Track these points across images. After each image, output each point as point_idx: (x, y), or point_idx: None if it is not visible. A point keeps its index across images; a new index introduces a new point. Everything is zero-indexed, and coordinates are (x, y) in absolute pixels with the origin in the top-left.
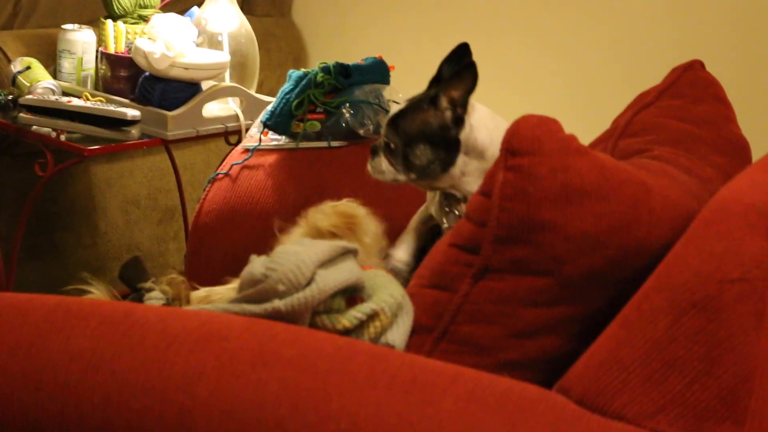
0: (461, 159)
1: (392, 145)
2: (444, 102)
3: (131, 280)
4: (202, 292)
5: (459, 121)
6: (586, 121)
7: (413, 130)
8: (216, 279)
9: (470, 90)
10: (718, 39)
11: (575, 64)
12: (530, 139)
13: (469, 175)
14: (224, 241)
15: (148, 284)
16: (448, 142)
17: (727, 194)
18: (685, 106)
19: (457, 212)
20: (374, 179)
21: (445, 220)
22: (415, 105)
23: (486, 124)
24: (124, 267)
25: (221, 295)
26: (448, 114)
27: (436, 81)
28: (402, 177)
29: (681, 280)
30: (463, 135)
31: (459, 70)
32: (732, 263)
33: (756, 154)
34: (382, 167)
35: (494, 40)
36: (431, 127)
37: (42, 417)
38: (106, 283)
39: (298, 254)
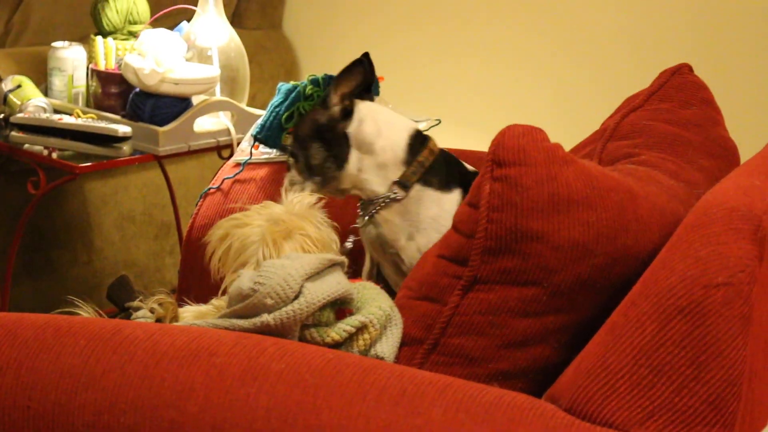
0: (354, 154)
1: (295, 152)
2: (334, 98)
3: (119, 299)
4: (191, 310)
5: (347, 114)
6: (571, 129)
7: (306, 131)
8: (209, 293)
9: (360, 84)
10: (706, 42)
11: (560, 71)
12: (516, 149)
13: (365, 171)
14: None
15: (136, 303)
16: (338, 138)
17: (711, 199)
18: (673, 110)
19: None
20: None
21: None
22: (305, 115)
23: (374, 117)
24: (112, 286)
25: (210, 313)
26: (337, 109)
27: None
28: (309, 184)
29: (667, 285)
30: (351, 128)
31: (349, 65)
32: (717, 268)
33: (744, 158)
34: (293, 179)
35: (482, 53)
36: (320, 125)
37: None
38: (93, 305)
39: (285, 268)
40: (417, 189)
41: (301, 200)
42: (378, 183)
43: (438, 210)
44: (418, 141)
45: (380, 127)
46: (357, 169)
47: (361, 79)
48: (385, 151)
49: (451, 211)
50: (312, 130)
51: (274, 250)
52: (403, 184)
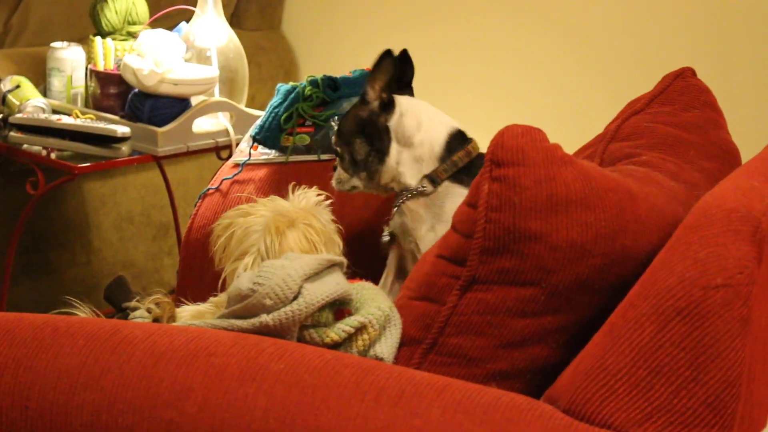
0: (394, 148)
1: (340, 151)
2: (371, 94)
3: (116, 300)
4: (189, 310)
5: (386, 107)
6: (572, 131)
7: (349, 128)
8: (208, 294)
9: (391, 76)
10: (710, 46)
11: (561, 72)
12: (515, 149)
13: (402, 164)
14: None
15: (133, 303)
16: (379, 132)
17: (710, 200)
18: (674, 112)
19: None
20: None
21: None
22: (348, 111)
23: (416, 111)
24: (109, 287)
25: (208, 312)
26: (376, 104)
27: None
28: (356, 180)
29: (666, 286)
30: (393, 122)
31: (378, 60)
32: (716, 269)
33: (746, 160)
34: (340, 177)
35: (482, 53)
36: (362, 120)
37: None
38: (90, 305)
39: (285, 268)
40: (446, 185)
41: (307, 196)
42: (411, 176)
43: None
44: (458, 140)
45: (421, 121)
46: (396, 162)
47: (393, 70)
48: (422, 145)
49: None
50: (355, 126)
51: (276, 239)
52: (433, 179)
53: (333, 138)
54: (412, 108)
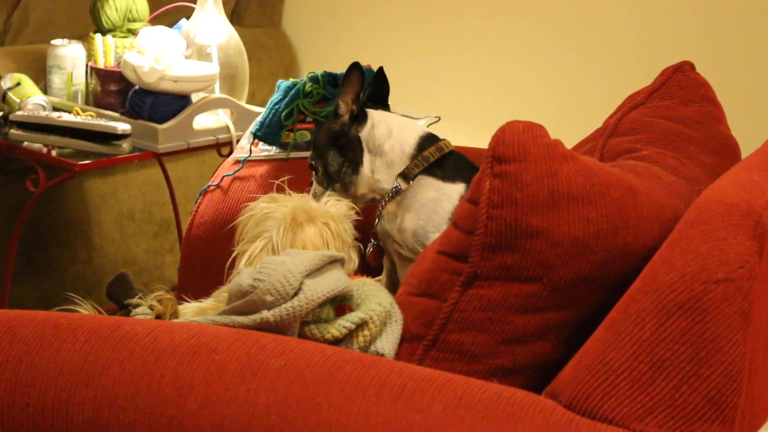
0: (367, 158)
1: (314, 164)
2: (342, 107)
3: (118, 297)
4: (191, 307)
5: (357, 118)
6: (572, 126)
7: (322, 141)
8: (209, 291)
9: (360, 87)
10: (709, 40)
11: (561, 68)
12: (516, 145)
13: (377, 172)
14: (217, 253)
15: (135, 300)
16: (351, 143)
17: (711, 194)
18: (674, 107)
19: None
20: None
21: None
22: (321, 126)
23: (387, 122)
24: (111, 284)
25: (211, 308)
26: (346, 117)
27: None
28: (330, 192)
29: (666, 281)
30: (364, 133)
31: (346, 72)
32: (717, 263)
33: (746, 155)
34: (315, 190)
35: (482, 50)
36: (335, 132)
37: None
38: (92, 303)
39: (285, 264)
40: (419, 179)
41: (339, 204)
42: (387, 181)
43: (436, 194)
44: (429, 141)
45: (391, 130)
46: (370, 171)
47: (362, 82)
48: (393, 150)
49: (451, 197)
50: (328, 139)
51: (290, 230)
52: (405, 175)
53: (288, 137)
54: (383, 119)
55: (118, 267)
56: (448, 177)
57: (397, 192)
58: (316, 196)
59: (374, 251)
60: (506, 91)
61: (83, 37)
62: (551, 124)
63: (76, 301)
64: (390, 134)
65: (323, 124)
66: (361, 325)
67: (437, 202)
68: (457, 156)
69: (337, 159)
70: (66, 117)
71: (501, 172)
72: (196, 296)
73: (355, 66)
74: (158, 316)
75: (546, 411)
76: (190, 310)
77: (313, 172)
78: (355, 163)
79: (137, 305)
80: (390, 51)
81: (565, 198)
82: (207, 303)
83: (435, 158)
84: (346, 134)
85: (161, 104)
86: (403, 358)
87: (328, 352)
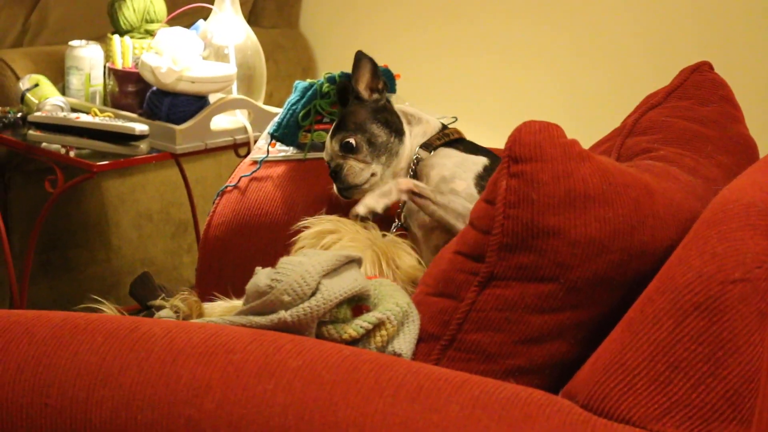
0: (406, 127)
1: (355, 142)
2: (363, 92)
3: (142, 297)
4: (220, 306)
5: (383, 93)
6: (588, 127)
7: (362, 117)
8: (227, 291)
9: (374, 70)
10: (727, 40)
11: (577, 69)
12: (532, 145)
13: (414, 137)
14: (235, 253)
15: (158, 302)
16: (393, 115)
17: (728, 194)
18: (692, 107)
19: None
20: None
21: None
22: (344, 114)
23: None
24: (134, 284)
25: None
26: (374, 96)
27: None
28: (376, 166)
29: (684, 281)
30: (397, 107)
31: (353, 63)
32: (734, 264)
33: (764, 155)
34: (356, 170)
35: (498, 50)
36: (370, 109)
37: None
38: (113, 303)
39: (303, 265)
40: (440, 150)
41: (390, 237)
42: (417, 145)
43: (461, 159)
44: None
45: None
46: (410, 139)
47: (371, 66)
48: (429, 122)
49: (476, 163)
50: (368, 114)
51: (388, 269)
52: (427, 145)
53: (338, 138)
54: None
55: (136, 267)
56: (470, 151)
57: (418, 162)
58: (355, 176)
59: (397, 232)
60: (522, 92)
61: (101, 38)
62: (567, 124)
63: (100, 301)
64: (420, 111)
65: (351, 112)
66: (379, 325)
67: (463, 162)
68: (468, 144)
69: (384, 130)
70: (84, 118)
71: (517, 172)
72: (214, 297)
73: (360, 53)
74: (186, 319)
75: (563, 411)
76: (219, 308)
77: (351, 151)
78: (399, 132)
79: (160, 307)
80: (407, 52)
81: (581, 198)
82: (238, 302)
83: (455, 137)
84: (383, 109)
85: (179, 105)
86: (419, 357)
87: (346, 353)
